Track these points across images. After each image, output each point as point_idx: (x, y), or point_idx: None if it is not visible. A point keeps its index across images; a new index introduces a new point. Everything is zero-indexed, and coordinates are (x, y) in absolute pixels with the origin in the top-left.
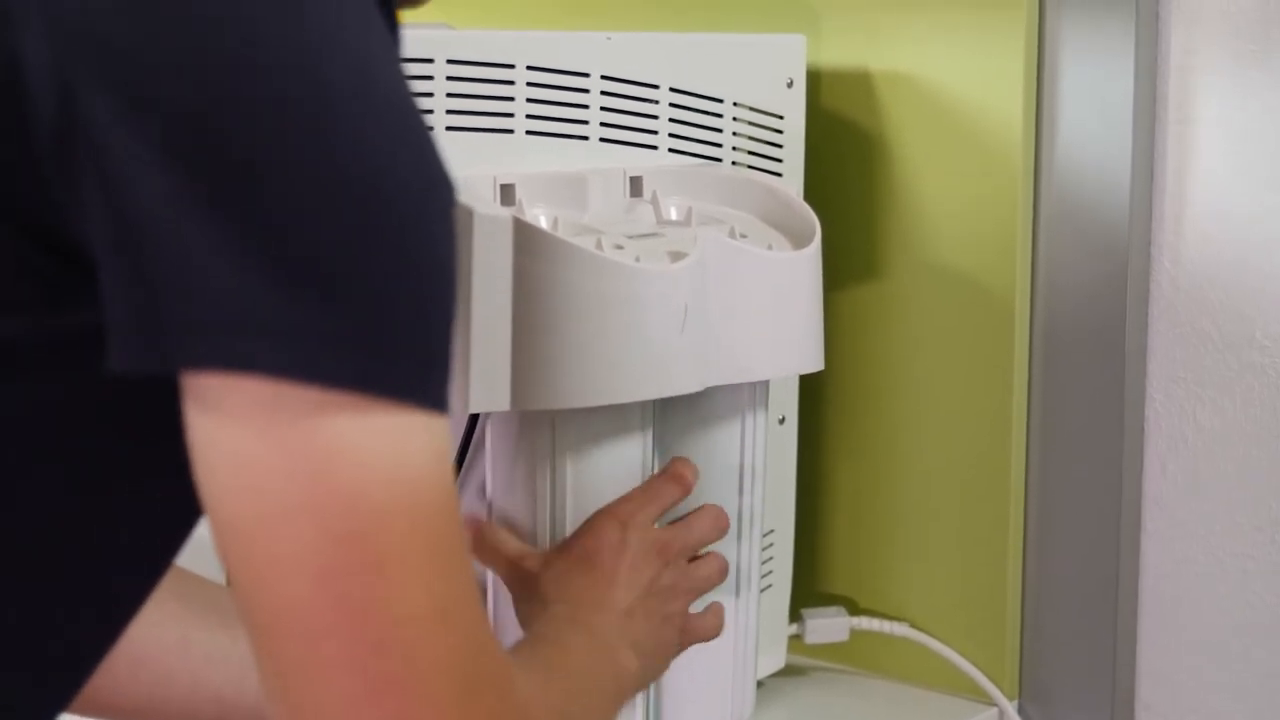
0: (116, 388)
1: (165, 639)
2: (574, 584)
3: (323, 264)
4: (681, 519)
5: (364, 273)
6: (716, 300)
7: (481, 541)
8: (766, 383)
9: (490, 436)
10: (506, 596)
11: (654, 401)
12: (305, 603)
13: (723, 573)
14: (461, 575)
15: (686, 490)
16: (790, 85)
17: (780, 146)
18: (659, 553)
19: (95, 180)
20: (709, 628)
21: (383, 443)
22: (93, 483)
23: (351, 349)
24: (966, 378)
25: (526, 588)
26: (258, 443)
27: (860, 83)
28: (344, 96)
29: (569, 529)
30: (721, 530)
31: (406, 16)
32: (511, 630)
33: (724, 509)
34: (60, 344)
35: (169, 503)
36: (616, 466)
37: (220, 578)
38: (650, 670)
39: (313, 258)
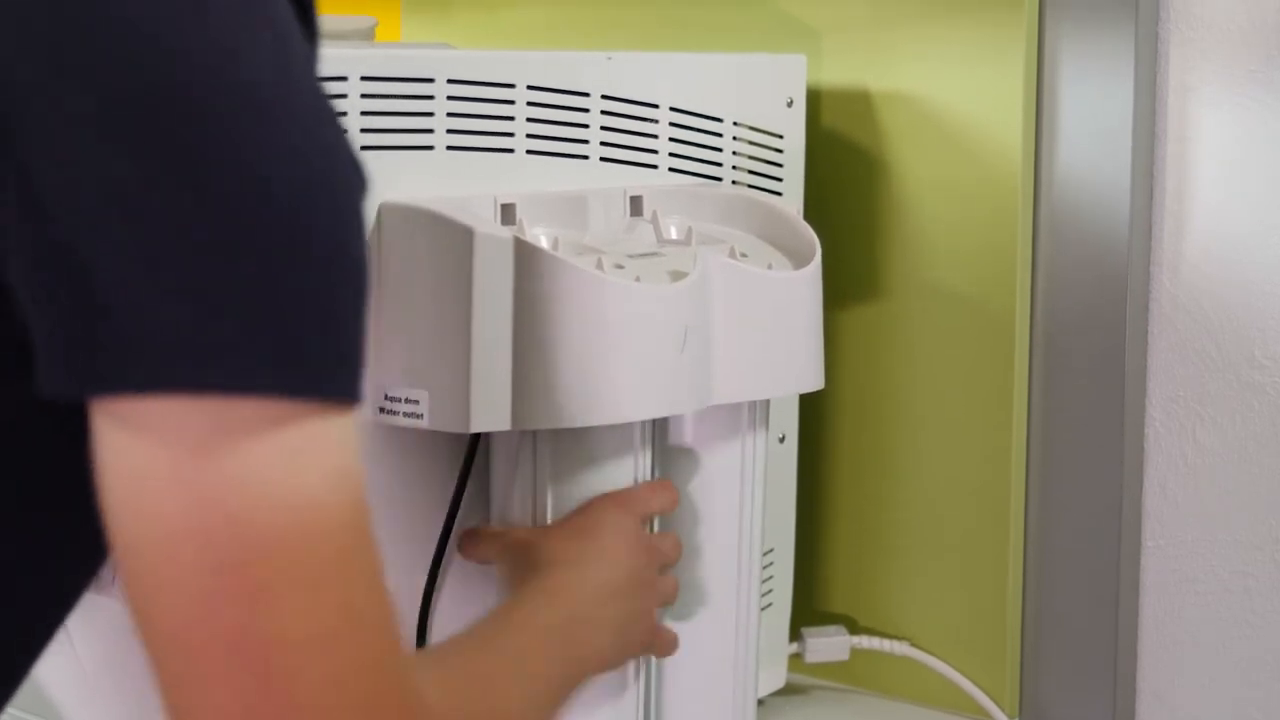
0: (45, 405)
1: None
2: (571, 548)
3: (230, 275)
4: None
5: (276, 278)
6: (717, 320)
7: (466, 541)
8: (767, 401)
9: (491, 456)
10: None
11: (654, 420)
12: (187, 625)
13: (675, 595)
14: (359, 592)
15: (671, 504)
16: (790, 105)
17: (780, 166)
18: (649, 549)
19: (14, 196)
20: (668, 643)
21: (283, 464)
22: (23, 498)
23: (260, 355)
24: (966, 396)
25: (517, 556)
26: (157, 464)
27: (860, 102)
28: (263, 104)
29: None
30: (679, 556)
31: (411, 37)
32: None
33: (681, 540)
34: None
35: (88, 530)
36: (616, 486)
37: None
38: (614, 659)
39: (220, 270)
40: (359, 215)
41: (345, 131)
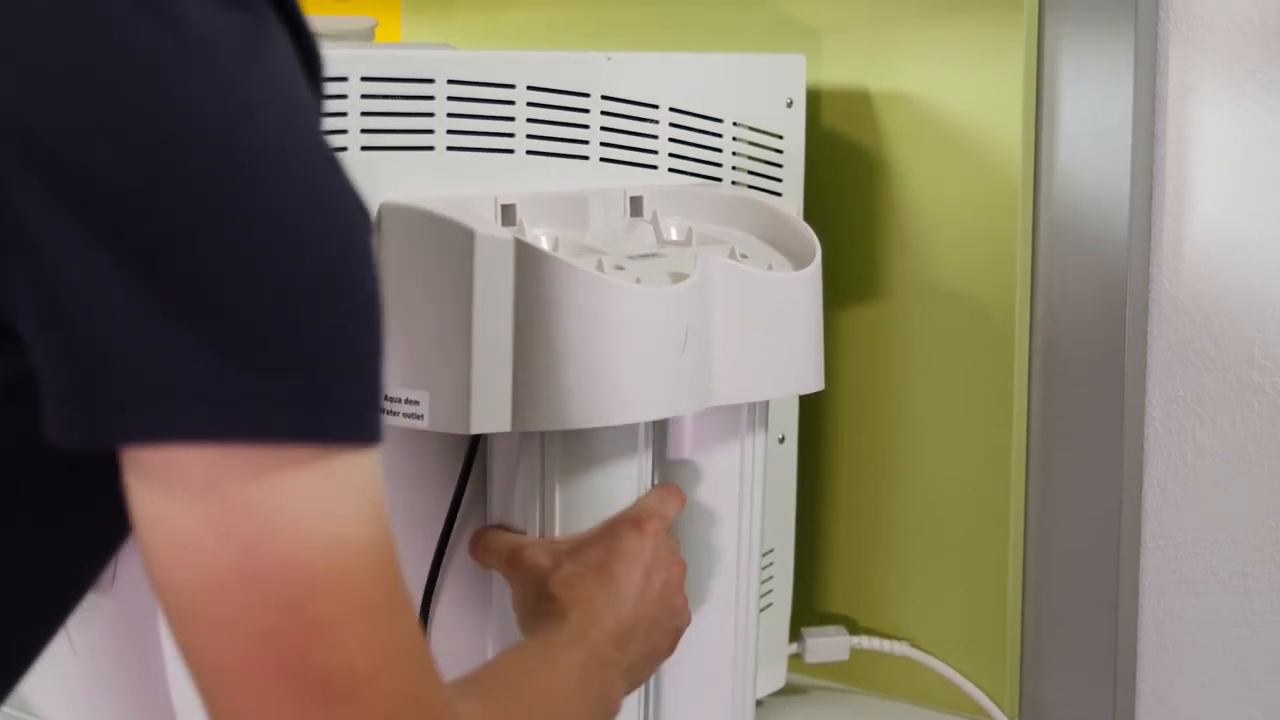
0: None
1: None
2: (586, 592)
3: (250, 324)
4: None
5: (292, 326)
6: (717, 321)
7: (478, 544)
8: (766, 402)
9: (491, 457)
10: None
11: (654, 421)
12: (246, 664)
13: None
14: (401, 623)
15: (683, 504)
16: (790, 105)
17: (780, 166)
18: (672, 565)
19: (21, 259)
20: (688, 616)
21: (316, 504)
22: (25, 501)
23: (283, 402)
24: (966, 396)
25: (530, 583)
26: (192, 515)
27: (860, 102)
28: (265, 160)
29: None
30: None
31: (411, 37)
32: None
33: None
34: None
35: (86, 538)
36: (616, 487)
37: None
38: (634, 687)
39: (240, 319)
40: (370, 255)
41: (348, 173)
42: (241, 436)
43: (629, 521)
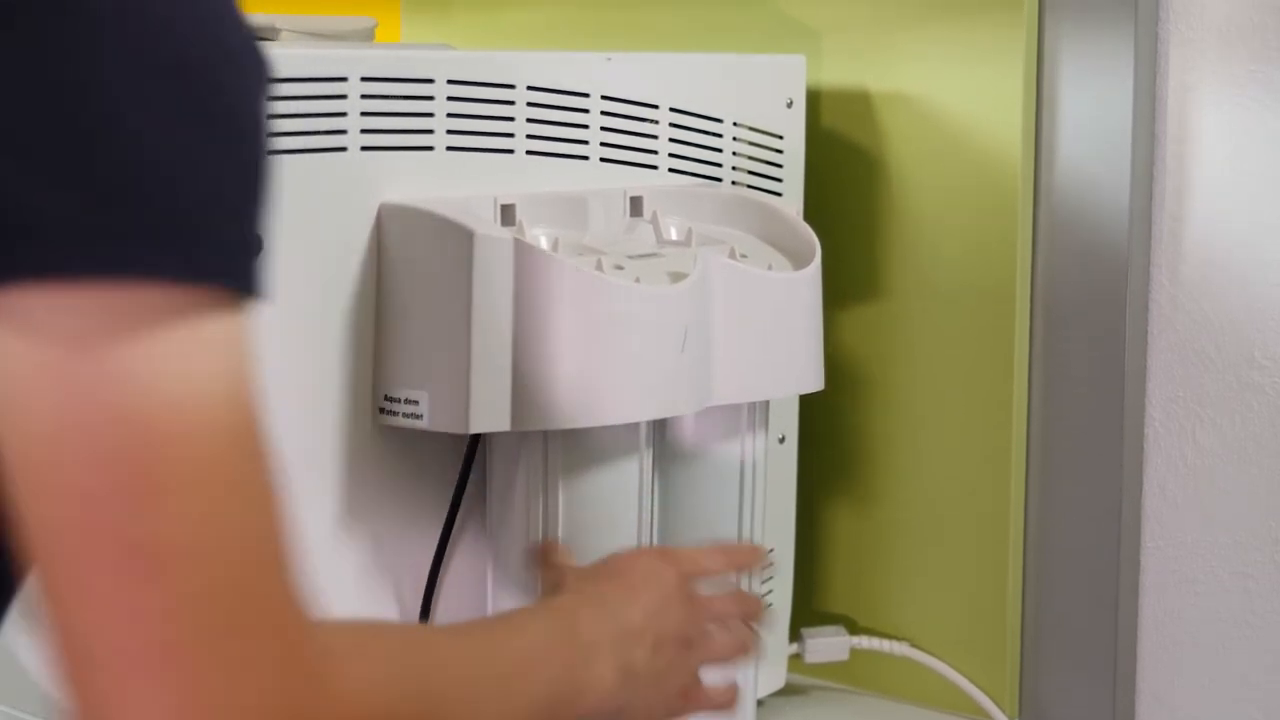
0: None
1: None
2: (590, 582)
3: (109, 154)
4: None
5: (156, 156)
6: (716, 321)
7: (540, 556)
8: (766, 402)
9: (490, 457)
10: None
11: (654, 421)
12: (70, 524)
13: (739, 652)
14: (248, 507)
15: (726, 567)
16: (790, 105)
17: (780, 166)
18: (693, 607)
19: None
20: (721, 700)
21: (171, 357)
22: None
23: (145, 238)
24: (966, 396)
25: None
26: (35, 358)
27: (860, 102)
28: None
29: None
30: (753, 609)
31: (411, 37)
32: None
33: (759, 599)
34: None
35: None
36: (616, 487)
37: None
38: (634, 705)
39: (99, 148)
40: (256, 94)
41: (238, 14)
42: (93, 271)
43: (654, 549)
